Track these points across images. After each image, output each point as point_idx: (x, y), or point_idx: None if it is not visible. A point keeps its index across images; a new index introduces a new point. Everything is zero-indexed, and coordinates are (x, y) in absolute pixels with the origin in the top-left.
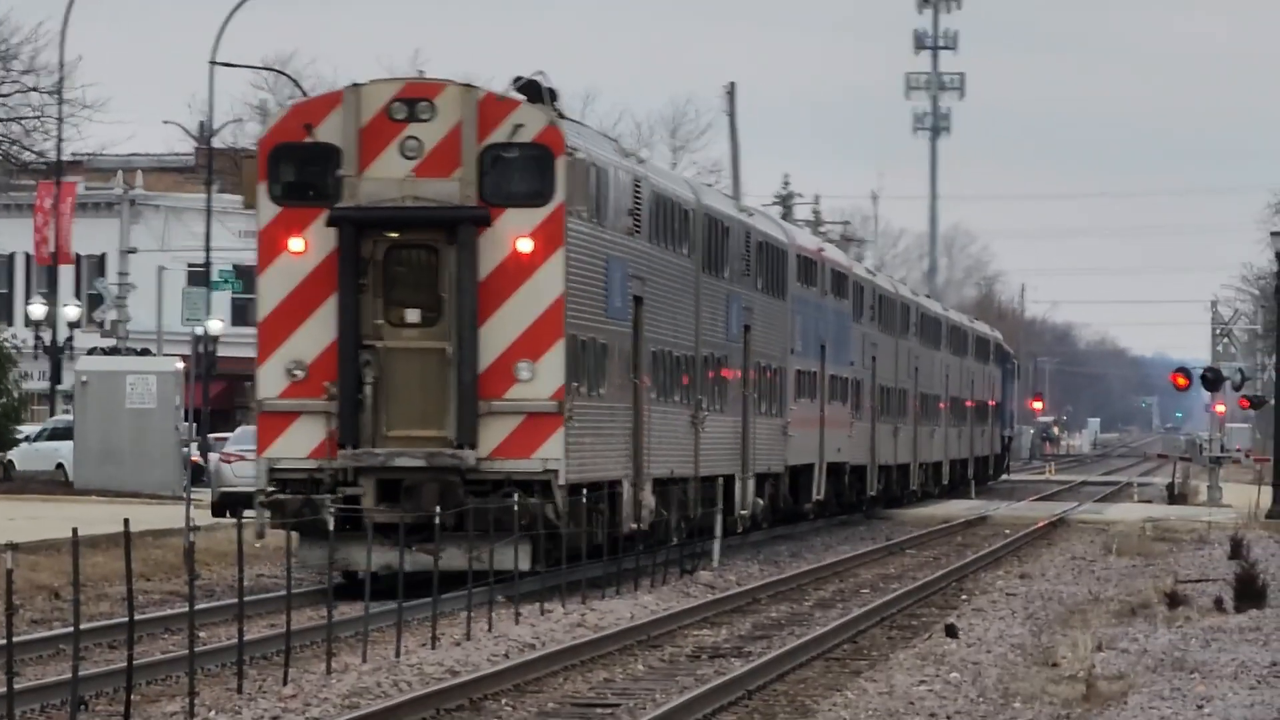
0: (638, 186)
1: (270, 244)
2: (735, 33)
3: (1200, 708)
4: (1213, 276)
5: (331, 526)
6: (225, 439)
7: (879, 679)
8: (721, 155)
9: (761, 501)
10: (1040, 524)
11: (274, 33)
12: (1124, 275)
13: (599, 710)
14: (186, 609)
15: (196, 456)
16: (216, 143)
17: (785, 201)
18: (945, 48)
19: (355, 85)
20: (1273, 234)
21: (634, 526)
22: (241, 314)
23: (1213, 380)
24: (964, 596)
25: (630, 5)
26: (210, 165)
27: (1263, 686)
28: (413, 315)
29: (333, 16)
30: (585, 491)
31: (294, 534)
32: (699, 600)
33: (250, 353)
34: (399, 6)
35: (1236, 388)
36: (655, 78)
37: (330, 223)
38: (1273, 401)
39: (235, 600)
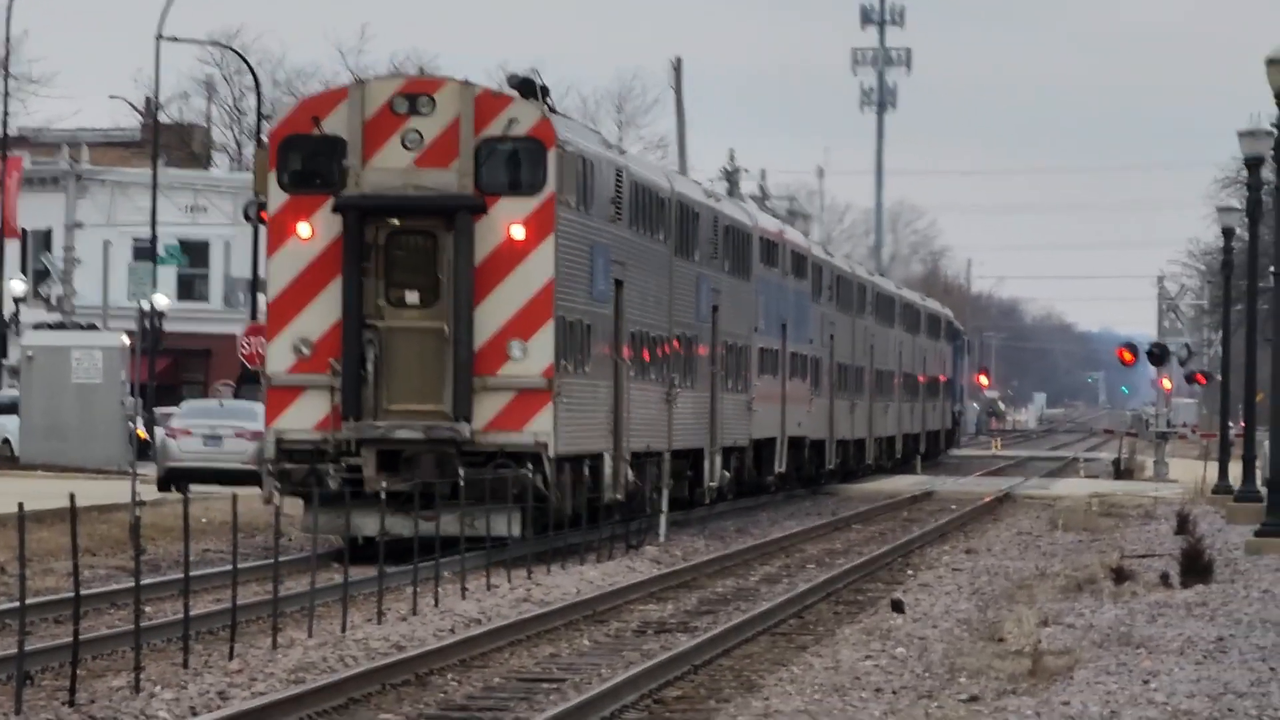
0: (619, 176)
1: (280, 229)
2: (682, 7)
3: (1146, 683)
4: (1159, 252)
5: (330, 498)
6: (171, 414)
7: (825, 654)
8: (668, 130)
9: (728, 474)
10: (986, 499)
11: (220, 8)
12: (1071, 250)
13: (545, 685)
14: (132, 584)
15: (142, 431)
16: (163, 118)
17: (731, 177)
18: (892, 23)
19: (360, 81)
20: (1219, 209)
21: (615, 497)
22: (188, 288)
23: (1159, 355)
24: (910, 572)
25: None
26: (156, 140)
27: (1209, 661)
28: (412, 297)
29: None
30: (571, 463)
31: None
32: (645, 575)
33: (196, 328)
34: None
35: (1183, 363)
36: (602, 53)
37: (336, 210)
38: (1219, 377)
39: (181, 575)
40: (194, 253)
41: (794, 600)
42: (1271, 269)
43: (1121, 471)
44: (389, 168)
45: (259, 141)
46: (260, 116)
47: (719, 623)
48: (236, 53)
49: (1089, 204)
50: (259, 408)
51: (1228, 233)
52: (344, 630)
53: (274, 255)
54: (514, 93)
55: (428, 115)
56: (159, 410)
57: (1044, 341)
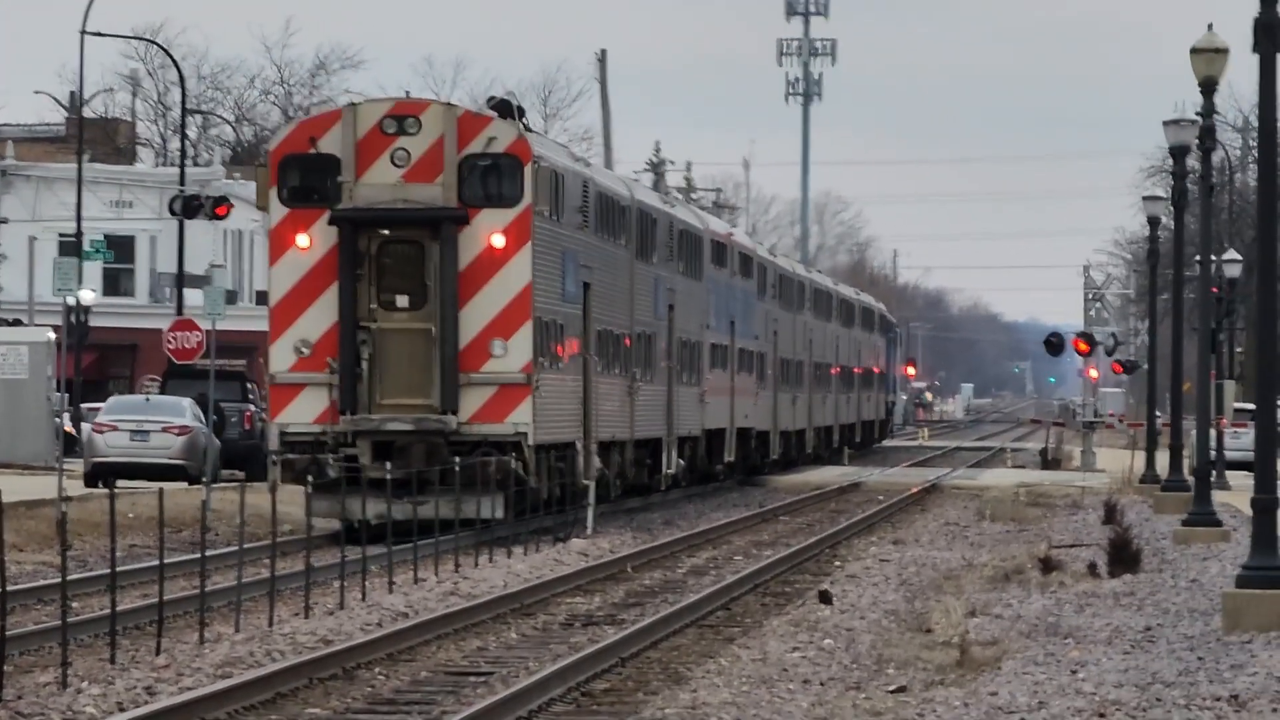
0: (586, 187)
1: (280, 240)
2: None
3: (1074, 673)
4: (1085, 241)
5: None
6: (97, 409)
7: (753, 646)
8: (593, 122)
9: (683, 462)
10: (914, 490)
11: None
12: (996, 240)
13: (472, 678)
14: (59, 579)
15: (69, 427)
16: (87, 113)
17: (657, 169)
18: (816, 14)
19: (352, 104)
20: (1145, 199)
21: (585, 482)
22: (114, 284)
23: (1057, 345)
24: (838, 563)
25: None
26: (81, 135)
27: (1136, 651)
28: (402, 301)
29: None
30: (548, 451)
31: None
32: (572, 568)
33: (122, 323)
34: None
35: (1109, 352)
36: (526, 45)
37: (331, 222)
38: (1146, 366)
39: (108, 570)
40: (119, 248)
41: (721, 592)
42: (1197, 258)
43: (1049, 461)
44: (379, 183)
45: (184, 136)
46: (185, 110)
47: (646, 615)
48: (161, 47)
49: (1014, 194)
50: (185, 403)
51: (1153, 222)
52: (271, 625)
53: (275, 264)
54: (493, 113)
55: (414, 134)
56: (85, 405)
57: (970, 332)
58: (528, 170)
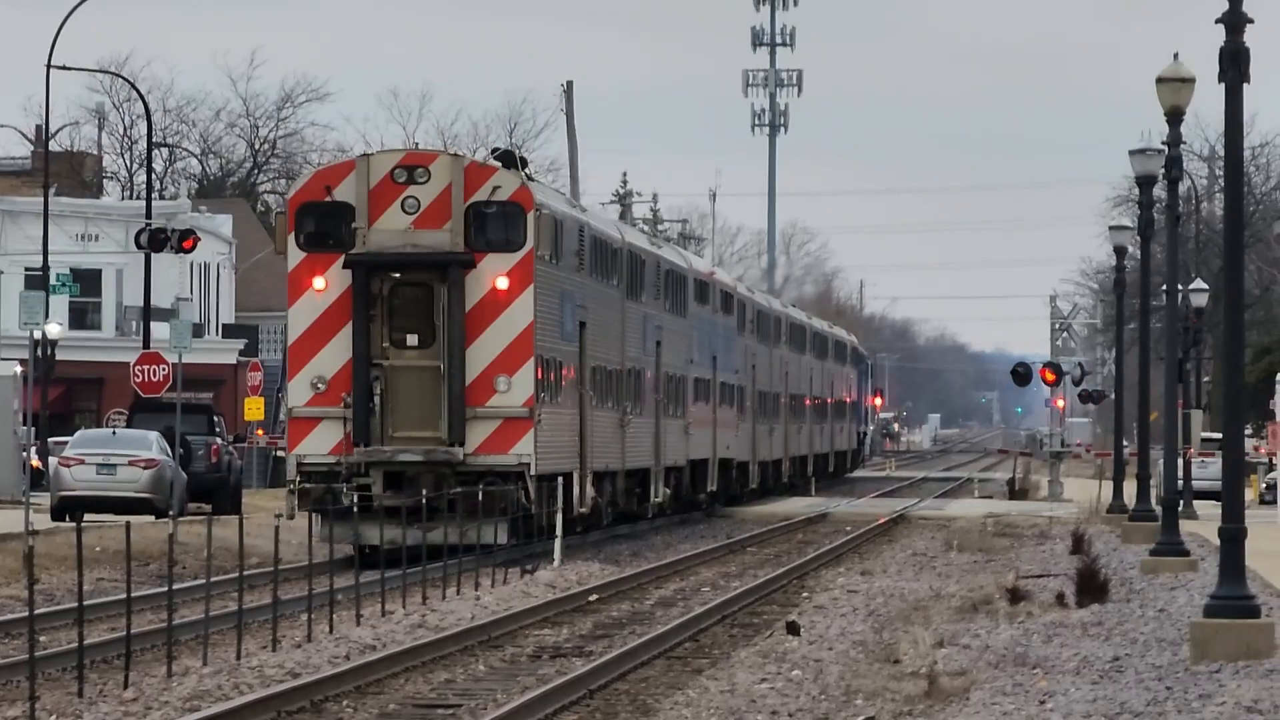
0: (582, 232)
1: (297, 283)
2: (572, 30)
3: (1042, 703)
4: (1051, 270)
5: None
6: (64, 443)
7: (721, 677)
8: (560, 153)
9: (668, 491)
10: (881, 520)
11: (109, 35)
12: (963, 270)
13: (440, 711)
14: (26, 613)
15: (35, 460)
16: (53, 146)
17: (623, 200)
18: (782, 45)
19: (365, 155)
20: (1111, 228)
21: (581, 510)
22: (80, 318)
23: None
24: (805, 594)
25: (466, 2)
26: (47, 168)
27: (1105, 681)
28: (412, 339)
29: (168, 18)
30: (547, 481)
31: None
32: (540, 600)
33: (89, 356)
34: (234, 7)
35: (1076, 382)
36: (492, 76)
37: (346, 265)
38: (1112, 396)
39: (75, 604)
40: (86, 281)
41: (689, 623)
42: (1164, 288)
43: (1016, 492)
44: (391, 229)
45: (149, 170)
46: (151, 144)
47: (614, 647)
48: (127, 80)
49: (981, 223)
50: (152, 436)
51: (1120, 251)
52: (239, 658)
53: (293, 305)
54: (498, 164)
55: (424, 184)
56: (52, 439)
57: (937, 362)
58: (530, 217)
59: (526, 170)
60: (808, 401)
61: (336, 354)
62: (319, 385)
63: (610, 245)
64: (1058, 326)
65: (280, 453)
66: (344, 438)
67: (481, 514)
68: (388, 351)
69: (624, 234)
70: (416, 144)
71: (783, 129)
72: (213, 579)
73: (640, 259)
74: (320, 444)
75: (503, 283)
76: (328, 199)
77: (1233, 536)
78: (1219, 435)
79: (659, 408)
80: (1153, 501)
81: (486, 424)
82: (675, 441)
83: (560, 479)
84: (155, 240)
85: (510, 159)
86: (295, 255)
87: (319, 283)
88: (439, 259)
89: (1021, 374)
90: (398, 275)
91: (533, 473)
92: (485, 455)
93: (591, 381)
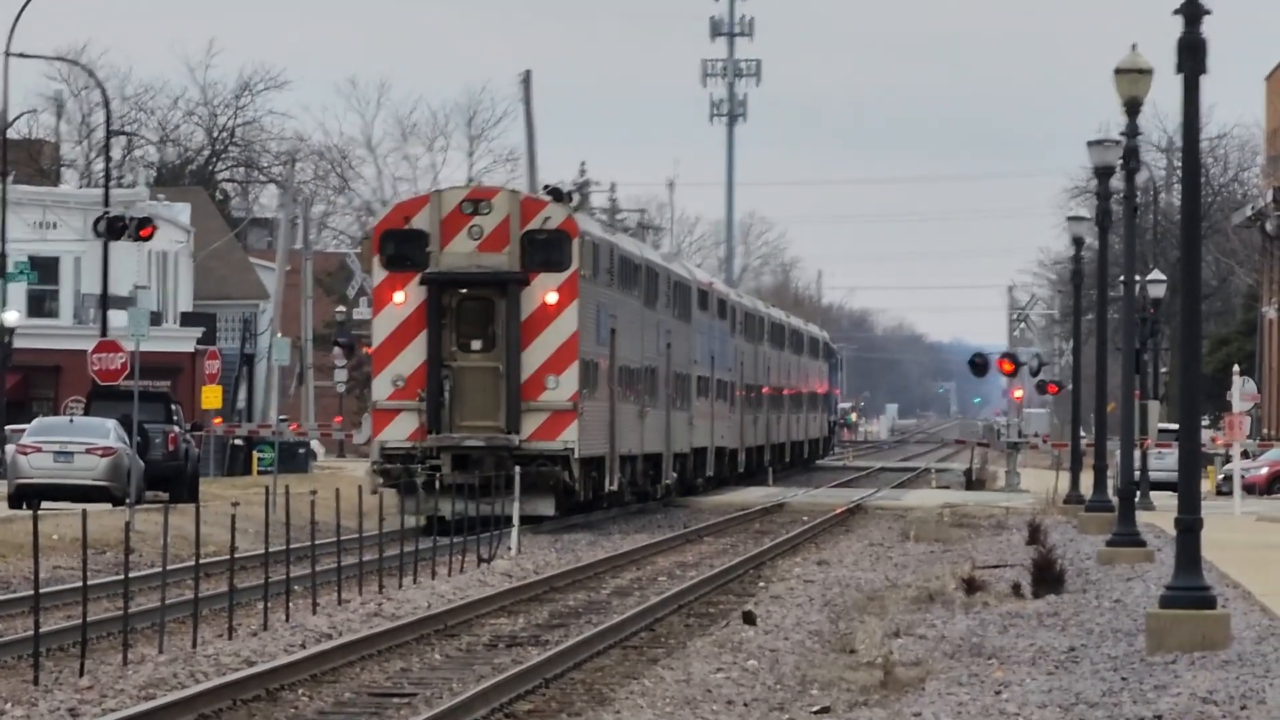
0: (613, 252)
1: (380, 297)
2: (530, 20)
3: (998, 693)
4: (1010, 261)
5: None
6: (21, 430)
7: (677, 667)
8: (518, 143)
9: (675, 474)
10: (838, 510)
11: (66, 23)
12: (920, 260)
13: (396, 700)
14: None
15: None
16: (11, 134)
17: (582, 189)
18: (741, 34)
19: (438, 190)
20: (1069, 219)
21: (612, 488)
22: (38, 305)
23: (982, 365)
24: (762, 584)
25: None
26: (5, 156)
27: (1060, 671)
28: (476, 344)
29: (126, 7)
30: (587, 463)
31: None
32: (496, 589)
33: (46, 344)
34: None
35: (1034, 373)
36: (450, 66)
37: (421, 282)
38: (1070, 387)
39: (31, 592)
40: (44, 269)
41: (645, 613)
42: (1121, 279)
43: (973, 482)
44: (459, 252)
45: (107, 158)
46: (109, 132)
47: (570, 636)
48: (85, 68)
49: (939, 213)
50: (109, 424)
51: (1078, 242)
52: (195, 646)
53: (377, 316)
54: (549, 198)
55: (486, 214)
56: (9, 427)
57: (895, 353)
58: (575, 243)
59: (572, 203)
60: (786, 393)
61: (413, 356)
62: (398, 382)
63: (633, 262)
64: (1015, 317)
65: (238, 441)
66: (419, 426)
67: (534, 491)
68: (455, 354)
69: (644, 251)
70: (480, 181)
71: (741, 118)
72: (169, 567)
73: (655, 273)
74: (399, 431)
75: (552, 298)
76: (406, 227)
77: (1189, 527)
78: (1175, 426)
79: (669, 401)
80: (1109, 492)
81: (538, 415)
82: (681, 431)
83: (596, 462)
84: (113, 228)
85: (559, 194)
86: (379, 274)
87: (399, 297)
88: (499, 277)
89: (979, 364)
90: (464, 291)
91: (576, 456)
92: (537, 442)
93: (619, 379)
